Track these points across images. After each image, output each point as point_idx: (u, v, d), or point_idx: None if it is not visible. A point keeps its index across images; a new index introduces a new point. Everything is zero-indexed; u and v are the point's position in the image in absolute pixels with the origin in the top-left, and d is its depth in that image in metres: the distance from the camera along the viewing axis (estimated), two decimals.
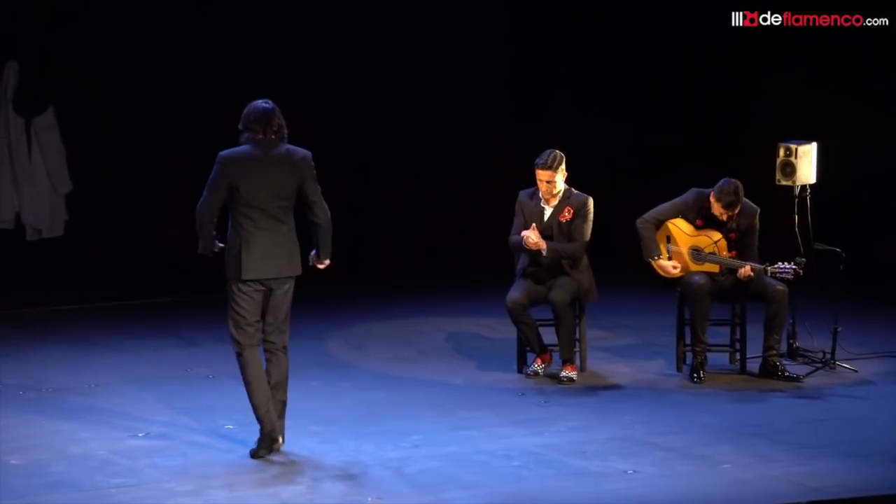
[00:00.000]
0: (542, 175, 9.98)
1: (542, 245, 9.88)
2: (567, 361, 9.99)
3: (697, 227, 10.04)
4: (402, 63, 13.35)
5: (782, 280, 9.86)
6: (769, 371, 10.01)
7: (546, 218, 10.04)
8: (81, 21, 12.51)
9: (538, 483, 7.96)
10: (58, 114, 12.84)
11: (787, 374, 9.99)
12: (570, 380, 9.93)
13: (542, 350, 10.09)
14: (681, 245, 10.04)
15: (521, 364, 10.21)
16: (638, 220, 10.09)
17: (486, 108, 13.69)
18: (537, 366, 10.09)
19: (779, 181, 10.42)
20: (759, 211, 10.04)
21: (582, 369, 10.16)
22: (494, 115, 13.72)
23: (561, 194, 10.05)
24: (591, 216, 10.02)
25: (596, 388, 9.89)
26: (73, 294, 12.39)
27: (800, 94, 12.91)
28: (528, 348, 10.17)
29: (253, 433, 8.46)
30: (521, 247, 9.98)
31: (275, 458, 8.38)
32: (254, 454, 8.40)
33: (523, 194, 10.18)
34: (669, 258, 10.05)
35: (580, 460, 8.33)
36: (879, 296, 12.16)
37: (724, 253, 9.99)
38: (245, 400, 8.51)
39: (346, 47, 13.23)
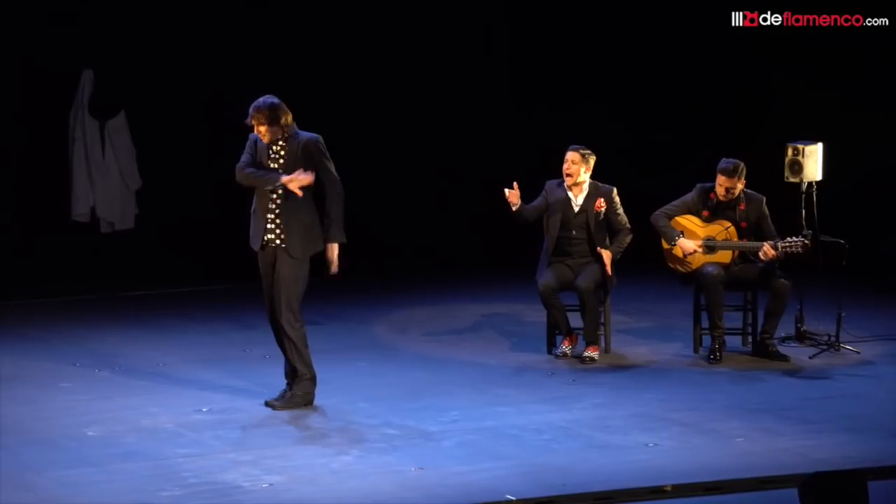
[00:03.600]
0: (569, 156, 10.06)
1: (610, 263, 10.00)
2: (590, 343, 10.03)
3: (705, 219, 10.06)
4: (409, 57, 13.19)
5: (792, 253, 9.84)
6: (762, 351, 10.02)
7: (576, 208, 10.08)
8: (150, 32, 12.61)
9: (566, 455, 7.99)
10: (129, 117, 12.93)
11: (777, 353, 9.99)
12: (592, 359, 9.96)
13: (570, 332, 10.11)
14: (694, 238, 10.05)
15: (551, 346, 10.24)
16: (651, 216, 10.12)
17: (491, 101, 13.52)
18: (565, 347, 10.11)
19: (787, 178, 10.42)
20: (764, 198, 10.05)
21: (606, 351, 10.18)
22: (499, 108, 13.56)
23: (588, 187, 10.10)
24: (619, 204, 10.12)
25: (619, 368, 9.91)
26: (142, 281, 12.48)
27: (800, 93, 12.64)
28: (557, 331, 10.20)
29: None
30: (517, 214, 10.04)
31: (326, 431, 8.45)
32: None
33: (550, 183, 10.23)
34: (684, 253, 10.04)
35: (605, 434, 8.36)
36: (882, 285, 12.12)
37: (736, 239, 10.01)
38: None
39: (349, 45, 13.11)
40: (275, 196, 8.67)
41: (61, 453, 8.00)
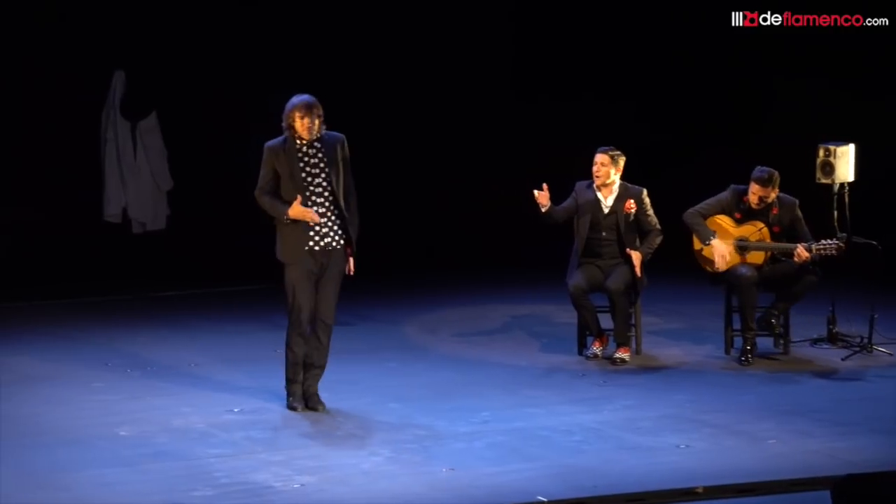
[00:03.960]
0: (598, 158, 10.04)
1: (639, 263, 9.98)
2: (621, 344, 10.03)
3: (737, 220, 10.02)
4: (413, 58, 13.19)
5: (826, 255, 9.80)
6: (764, 324, 9.94)
7: (605, 210, 10.07)
8: (180, 35, 12.67)
9: (596, 456, 7.99)
10: (160, 118, 12.99)
11: (777, 331, 9.95)
12: (623, 361, 9.96)
13: (600, 333, 10.10)
14: (726, 239, 10.02)
15: (581, 347, 10.24)
16: (684, 215, 10.09)
17: (505, 99, 13.48)
18: (596, 348, 10.10)
19: (819, 179, 10.37)
20: (797, 202, 10.01)
21: (637, 352, 10.17)
22: (514, 107, 13.53)
23: (617, 188, 10.09)
24: (649, 205, 10.10)
25: (650, 369, 9.89)
26: (174, 282, 12.52)
27: (800, 93, 12.54)
28: (587, 332, 10.19)
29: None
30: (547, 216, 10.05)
31: (357, 431, 8.47)
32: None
33: (580, 184, 10.22)
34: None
35: (635, 436, 8.35)
36: None
37: (769, 240, 9.97)
38: (324, 376, 8.85)
39: (350, 45, 13.13)
40: (330, 196, 8.67)
41: (94, 453, 8.04)
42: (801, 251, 9.76)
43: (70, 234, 12.59)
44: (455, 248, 13.21)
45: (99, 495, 7.39)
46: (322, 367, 8.85)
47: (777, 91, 12.89)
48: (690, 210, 10.09)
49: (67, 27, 12.46)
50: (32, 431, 8.44)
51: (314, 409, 8.77)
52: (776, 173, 9.88)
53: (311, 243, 8.67)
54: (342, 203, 8.68)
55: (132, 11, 12.54)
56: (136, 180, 12.92)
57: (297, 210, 8.59)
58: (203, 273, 12.60)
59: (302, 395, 8.84)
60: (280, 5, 13.05)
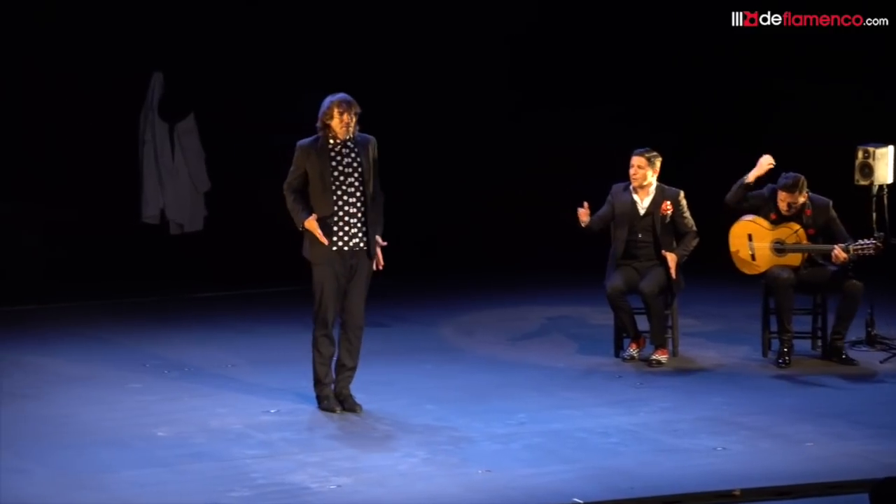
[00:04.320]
0: (635, 160, 10.03)
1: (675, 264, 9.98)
2: (658, 346, 10.01)
3: (773, 221, 9.99)
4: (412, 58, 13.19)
5: (864, 255, 9.76)
6: (832, 352, 9.93)
7: (642, 212, 10.07)
8: (219, 37, 12.72)
9: (633, 458, 7.99)
10: (198, 119, 13.05)
11: (847, 357, 9.92)
12: (660, 363, 9.95)
13: (637, 335, 10.10)
14: (763, 241, 9.99)
15: (618, 349, 10.23)
16: (725, 198, 10.06)
17: (520, 101, 13.48)
18: (633, 350, 10.10)
19: (857, 181, 10.34)
20: (830, 202, 9.96)
21: (674, 354, 10.15)
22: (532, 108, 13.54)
23: (654, 190, 10.08)
24: (686, 207, 10.07)
25: (687, 371, 9.88)
26: (211, 283, 12.57)
27: (800, 93, 12.48)
28: (624, 334, 10.19)
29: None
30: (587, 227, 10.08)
31: (393, 433, 8.49)
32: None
33: (616, 186, 10.21)
34: (752, 256, 10.01)
35: (672, 438, 8.34)
36: None
37: (806, 242, 9.93)
38: (360, 377, 8.87)
39: (349, 46, 13.13)
40: (362, 197, 8.70)
41: (132, 453, 8.09)
42: (839, 252, 9.72)
43: (108, 236, 12.66)
44: (492, 250, 13.21)
45: (136, 496, 7.44)
46: (354, 369, 8.88)
47: (777, 91, 12.82)
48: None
49: (106, 28, 12.53)
50: (69, 432, 8.50)
51: (351, 410, 8.80)
52: (801, 178, 9.83)
53: (339, 244, 8.71)
54: (370, 203, 8.71)
55: (171, 13, 12.60)
56: (174, 182, 12.98)
57: (312, 224, 8.67)
58: (240, 274, 12.65)
59: (335, 396, 8.85)
60: (316, 9, 13.09)
